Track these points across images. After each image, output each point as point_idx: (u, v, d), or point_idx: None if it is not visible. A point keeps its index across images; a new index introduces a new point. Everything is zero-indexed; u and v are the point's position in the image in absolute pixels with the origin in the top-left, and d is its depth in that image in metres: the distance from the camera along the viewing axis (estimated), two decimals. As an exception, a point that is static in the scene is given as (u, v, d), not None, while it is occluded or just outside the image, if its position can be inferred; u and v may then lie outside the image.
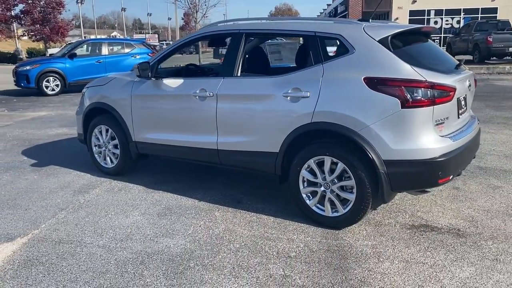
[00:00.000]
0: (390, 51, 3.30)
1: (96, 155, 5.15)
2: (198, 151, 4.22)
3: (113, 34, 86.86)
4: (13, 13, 32.29)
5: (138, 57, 13.96)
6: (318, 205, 3.59)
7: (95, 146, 5.13)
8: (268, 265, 3.01)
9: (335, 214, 3.50)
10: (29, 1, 31.84)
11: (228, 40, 4.22)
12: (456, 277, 2.81)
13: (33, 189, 4.65)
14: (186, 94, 4.18)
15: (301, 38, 3.74)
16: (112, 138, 4.94)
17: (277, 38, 10.21)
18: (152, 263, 3.06)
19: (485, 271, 2.87)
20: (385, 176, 3.22)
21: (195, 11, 27.66)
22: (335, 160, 3.41)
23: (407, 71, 3.19)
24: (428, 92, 3.14)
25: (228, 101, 3.95)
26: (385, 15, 36.77)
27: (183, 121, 4.29)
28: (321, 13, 71.39)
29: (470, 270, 2.88)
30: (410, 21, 34.47)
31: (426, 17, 34.78)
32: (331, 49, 4.96)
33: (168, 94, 4.35)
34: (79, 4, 42.89)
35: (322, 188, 3.52)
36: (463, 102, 3.65)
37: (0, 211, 4.09)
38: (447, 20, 34.77)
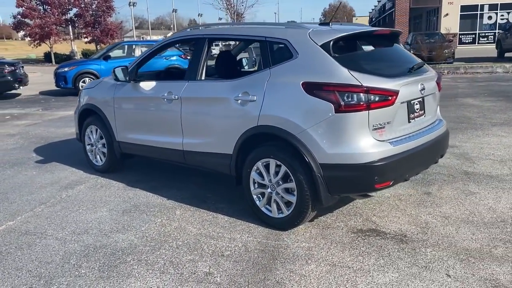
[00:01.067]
0: (330, 55, 3.31)
1: (88, 153, 5.48)
2: (168, 151, 4.41)
3: (169, 34, 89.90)
4: (67, 17, 34.36)
5: (174, 58, 14.36)
6: (267, 206, 3.67)
7: (88, 144, 5.47)
8: (199, 262, 3.14)
9: (280, 216, 3.57)
10: (82, 5, 33.75)
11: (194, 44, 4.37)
12: (374, 282, 2.80)
13: (26, 184, 5.04)
14: (156, 97, 4.39)
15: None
16: (101, 138, 5.25)
17: None
18: (94, 256, 3.28)
19: (406, 278, 2.83)
20: (321, 179, 3.25)
21: (232, 11, 28.06)
22: (278, 162, 3.47)
23: (343, 75, 3.19)
24: (363, 96, 3.13)
25: (190, 104, 4.11)
26: (435, 11, 35.33)
27: (155, 122, 4.50)
28: (372, 9, 69.91)
29: (393, 276, 2.86)
30: (461, 17, 32.97)
31: (479, 12, 33.01)
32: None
33: (143, 97, 4.58)
34: (131, 6, 44.74)
35: (269, 190, 3.60)
36: (417, 106, 3.58)
37: (-11, 203, 4.49)
38: (502, 15, 32.84)
